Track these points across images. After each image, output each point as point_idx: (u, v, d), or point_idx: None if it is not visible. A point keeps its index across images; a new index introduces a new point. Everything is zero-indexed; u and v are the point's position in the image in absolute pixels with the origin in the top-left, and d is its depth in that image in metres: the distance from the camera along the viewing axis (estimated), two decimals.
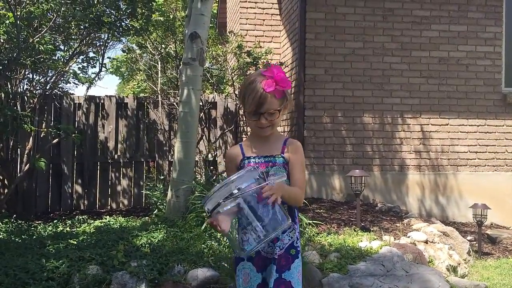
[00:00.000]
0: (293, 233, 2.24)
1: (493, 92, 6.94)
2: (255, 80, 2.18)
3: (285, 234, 2.21)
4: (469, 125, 6.89)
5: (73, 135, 5.38)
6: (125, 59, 10.66)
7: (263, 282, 2.21)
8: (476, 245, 5.46)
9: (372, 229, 5.01)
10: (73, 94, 7.08)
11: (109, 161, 7.04)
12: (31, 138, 6.22)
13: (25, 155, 6.21)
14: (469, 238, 5.69)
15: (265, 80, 2.16)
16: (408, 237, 4.76)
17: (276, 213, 2.00)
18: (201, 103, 6.95)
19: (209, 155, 7.14)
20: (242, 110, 7.42)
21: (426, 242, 4.71)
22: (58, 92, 6.87)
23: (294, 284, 2.21)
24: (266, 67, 2.22)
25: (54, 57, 6.04)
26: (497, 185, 6.81)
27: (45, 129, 6.26)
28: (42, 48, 5.08)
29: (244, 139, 7.39)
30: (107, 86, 43.45)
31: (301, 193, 2.23)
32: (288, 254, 2.22)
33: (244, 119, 7.53)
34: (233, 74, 7.29)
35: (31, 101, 6.27)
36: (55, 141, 6.35)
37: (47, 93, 6.51)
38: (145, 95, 7.92)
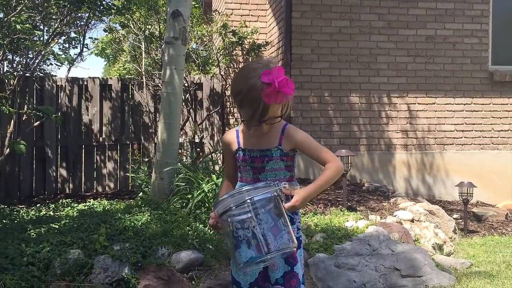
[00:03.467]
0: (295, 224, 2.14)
1: (480, 70, 6.90)
2: (253, 87, 1.97)
3: (294, 226, 2.09)
4: (455, 104, 6.87)
5: (53, 116, 5.25)
6: (109, 40, 10.43)
7: (264, 270, 2.12)
8: (462, 223, 5.49)
9: (358, 209, 5.00)
10: (55, 76, 6.91)
11: (94, 144, 6.92)
12: (12, 121, 6.08)
13: (7, 139, 6.08)
14: (455, 216, 5.71)
15: (265, 88, 1.95)
16: (395, 216, 4.76)
17: (285, 233, 1.91)
18: (186, 84, 6.83)
19: (196, 137, 7.06)
20: (232, 98, 7.35)
21: (412, 221, 4.71)
22: (40, 74, 6.71)
23: (300, 276, 2.14)
24: (266, 66, 2.00)
25: (34, 37, 5.86)
26: (483, 163, 6.83)
27: (25, 111, 6.12)
28: (19, 27, 4.92)
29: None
30: (89, 67, 42.42)
31: (333, 172, 2.05)
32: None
33: (231, 100, 7.43)
34: (218, 54, 7.17)
35: (11, 82, 6.11)
36: (36, 123, 6.21)
37: (27, 74, 6.35)
38: (130, 76, 7.76)
